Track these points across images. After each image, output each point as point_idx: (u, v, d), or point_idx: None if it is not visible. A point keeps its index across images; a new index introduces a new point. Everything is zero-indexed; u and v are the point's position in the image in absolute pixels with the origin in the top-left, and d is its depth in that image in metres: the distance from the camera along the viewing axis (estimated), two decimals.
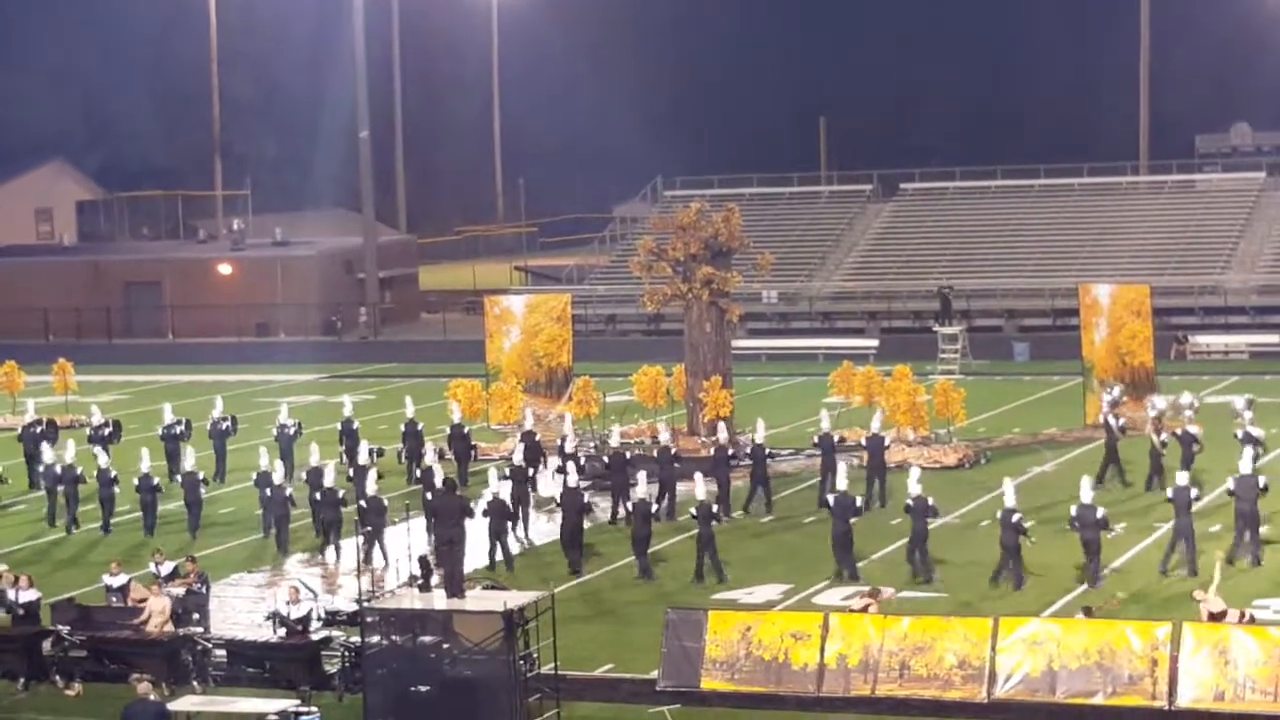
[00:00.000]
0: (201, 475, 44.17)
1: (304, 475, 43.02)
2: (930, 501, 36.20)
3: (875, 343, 73.00)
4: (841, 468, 38.40)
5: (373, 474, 40.68)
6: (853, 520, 36.38)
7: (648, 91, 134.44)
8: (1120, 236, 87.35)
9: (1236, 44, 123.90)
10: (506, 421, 53.84)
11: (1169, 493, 36.16)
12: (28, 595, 32.01)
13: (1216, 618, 28.85)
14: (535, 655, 27.83)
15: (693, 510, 37.31)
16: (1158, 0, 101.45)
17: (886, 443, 44.92)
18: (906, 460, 48.22)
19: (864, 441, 44.84)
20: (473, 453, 48.63)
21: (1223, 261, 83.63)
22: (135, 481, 43.63)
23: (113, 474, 44.05)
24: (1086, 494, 35.16)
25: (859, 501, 36.98)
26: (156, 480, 44.21)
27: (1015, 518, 34.81)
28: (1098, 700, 27.83)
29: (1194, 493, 35.95)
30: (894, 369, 51.49)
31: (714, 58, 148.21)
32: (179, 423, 50.72)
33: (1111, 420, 45.60)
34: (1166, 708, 27.52)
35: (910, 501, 36.23)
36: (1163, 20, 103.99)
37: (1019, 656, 28.38)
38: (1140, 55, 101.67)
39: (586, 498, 39.99)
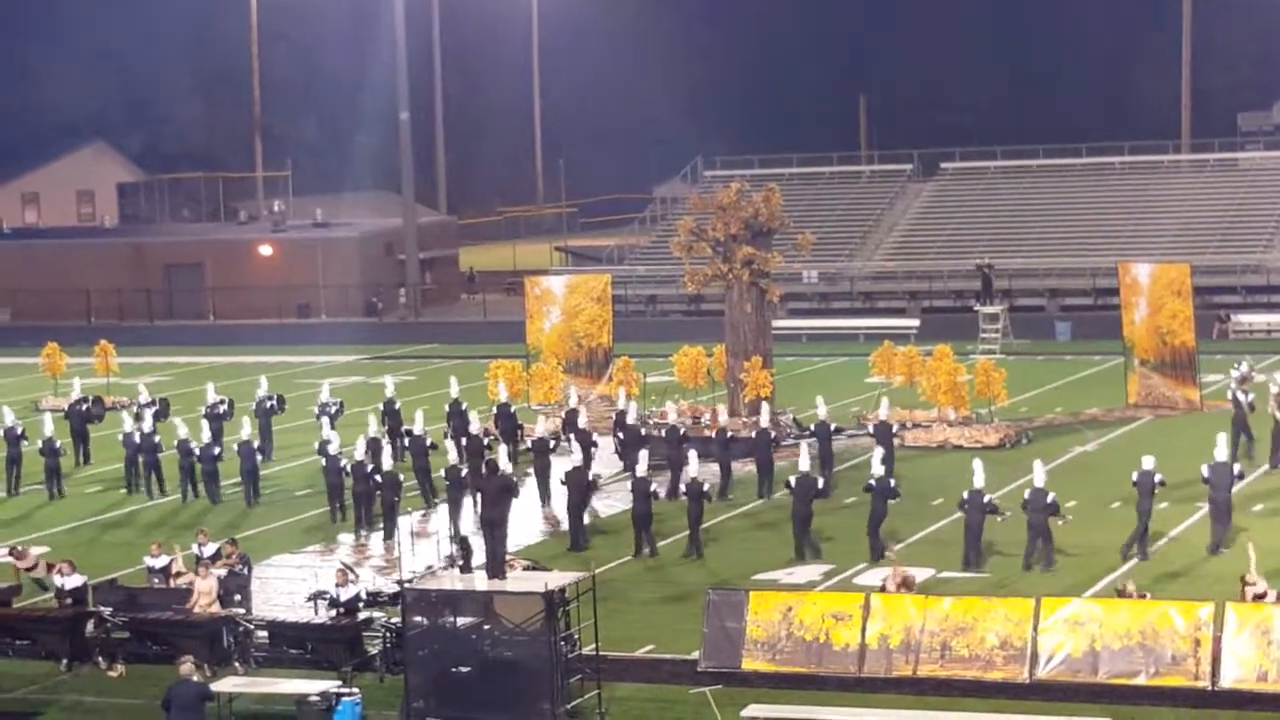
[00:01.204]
0: (258, 444, 45.09)
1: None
2: (892, 483, 36.47)
3: (916, 322, 72.89)
4: (804, 448, 38.45)
5: (388, 449, 41.03)
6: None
7: (687, 72, 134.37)
8: (1162, 215, 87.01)
9: (1279, 20, 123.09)
10: (547, 402, 53.87)
11: (1134, 476, 35.82)
12: (72, 581, 32.19)
13: (1259, 598, 28.75)
14: (576, 636, 27.85)
15: (683, 486, 37.55)
16: None
17: (896, 429, 44.68)
18: (948, 440, 48.26)
19: (871, 429, 44.66)
20: (519, 431, 48.62)
21: (1265, 240, 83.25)
22: (196, 452, 44.61)
23: (192, 444, 44.99)
24: (1040, 478, 35.07)
25: (820, 483, 37.07)
26: (218, 450, 45.15)
27: (986, 499, 34.79)
28: (1140, 681, 27.75)
29: (1158, 478, 35.65)
30: (935, 349, 51.42)
31: (753, 37, 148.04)
32: (222, 402, 51.17)
33: (1240, 395, 45.32)
34: (1209, 688, 27.43)
35: (872, 482, 36.40)
36: None
37: (1061, 637, 28.31)
38: (1183, 32, 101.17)
39: (592, 475, 40.09)
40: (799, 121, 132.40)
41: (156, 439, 46.39)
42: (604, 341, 57.19)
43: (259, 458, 45.33)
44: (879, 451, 37.90)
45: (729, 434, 43.92)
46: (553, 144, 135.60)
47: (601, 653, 28.36)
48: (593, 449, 43.61)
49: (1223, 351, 64.40)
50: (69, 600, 32.02)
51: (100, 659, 31.15)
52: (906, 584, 30.81)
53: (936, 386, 49.65)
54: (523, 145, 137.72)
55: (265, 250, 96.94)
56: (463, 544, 29.17)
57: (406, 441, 44.19)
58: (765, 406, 45.83)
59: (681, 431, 44.35)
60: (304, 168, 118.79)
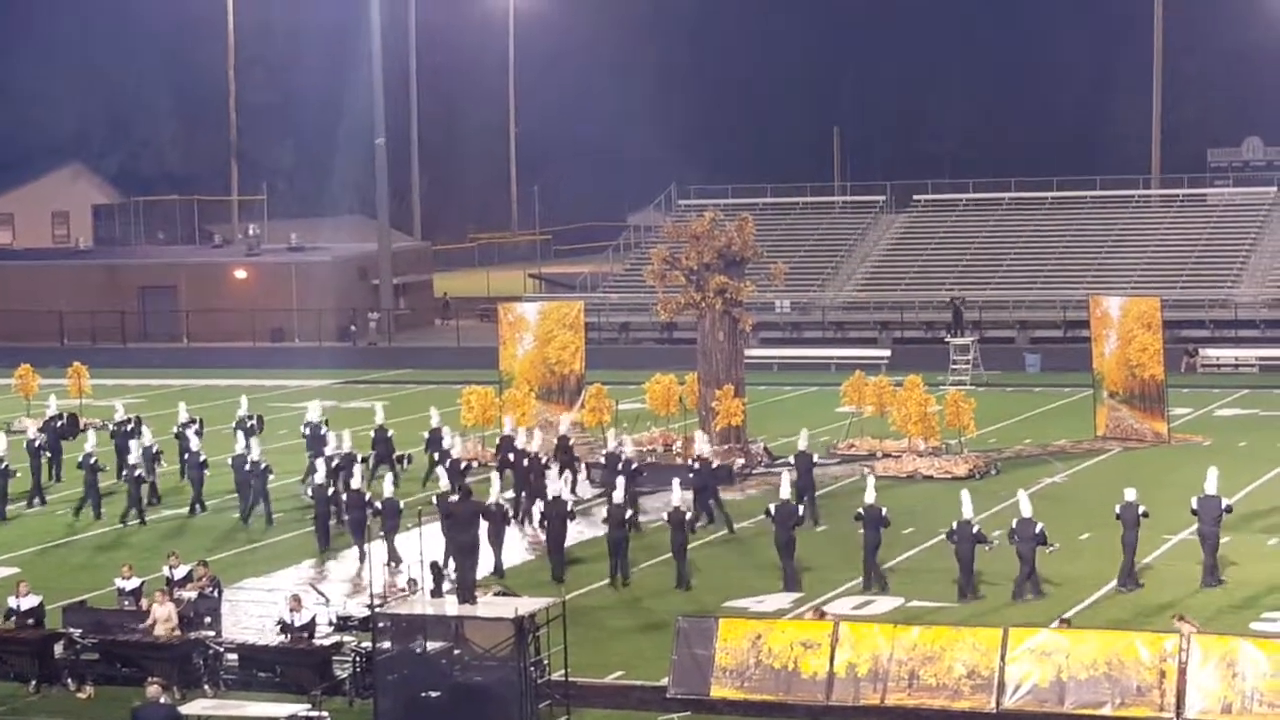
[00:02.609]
0: (249, 458, 45.05)
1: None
2: (884, 511, 36.36)
3: (887, 353, 73.05)
4: (784, 477, 38.52)
5: (389, 476, 41.03)
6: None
7: (663, 101, 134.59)
8: (1132, 249, 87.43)
9: (1249, 57, 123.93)
10: (518, 428, 53.89)
11: (1116, 509, 36.07)
12: (28, 602, 32.16)
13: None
14: (546, 662, 27.95)
15: (664, 515, 37.63)
16: (1171, 13, 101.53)
17: (815, 458, 44.81)
18: (917, 470, 48.43)
19: (792, 459, 44.73)
20: (446, 457, 47.25)
21: (1233, 275, 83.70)
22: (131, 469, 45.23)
23: (202, 457, 45.76)
24: (1026, 509, 35.25)
25: (801, 510, 37.03)
26: (204, 457, 45.97)
27: (975, 529, 34.96)
28: (1106, 711, 27.90)
29: (1141, 509, 35.92)
30: (905, 379, 51.54)
31: (729, 68, 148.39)
32: (193, 421, 51.16)
33: None
34: (1174, 719, 27.61)
35: (861, 510, 36.39)
36: (1176, 33, 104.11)
37: (1028, 667, 28.46)
38: (1153, 68, 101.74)
39: (571, 506, 39.82)
40: (773, 152, 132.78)
41: (141, 447, 46.72)
42: (576, 368, 57.28)
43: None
44: (871, 479, 37.89)
45: (634, 465, 43.64)
46: (528, 171, 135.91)
47: (571, 679, 28.47)
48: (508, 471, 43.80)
49: (1190, 385, 64.77)
50: (29, 621, 32.00)
51: (69, 680, 31.10)
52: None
53: (907, 417, 49.77)
54: (498, 172, 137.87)
55: (240, 273, 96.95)
56: (434, 569, 29.28)
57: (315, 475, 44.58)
58: (700, 435, 46.04)
59: (621, 458, 44.26)
60: (280, 192, 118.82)
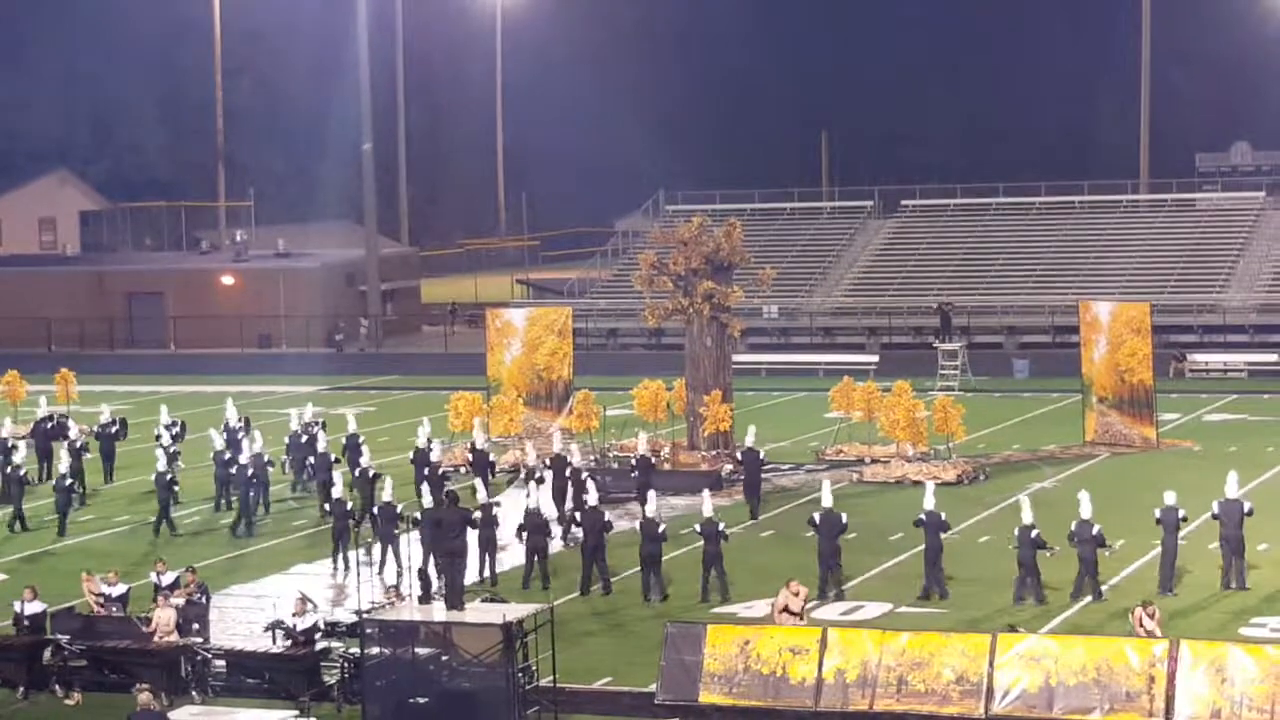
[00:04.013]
0: (268, 456, 45.41)
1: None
2: (943, 516, 36.09)
3: (875, 358, 73.05)
4: (825, 485, 38.29)
5: (389, 481, 40.82)
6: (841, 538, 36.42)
7: (651, 106, 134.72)
8: (1120, 254, 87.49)
9: (1237, 63, 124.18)
10: (508, 434, 53.95)
11: (1156, 513, 36.13)
12: (33, 608, 32.11)
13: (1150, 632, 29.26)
14: (534, 668, 27.90)
15: (697, 527, 37.32)
16: (1159, 19, 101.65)
17: (762, 456, 44.88)
18: (905, 476, 48.37)
19: (740, 456, 44.63)
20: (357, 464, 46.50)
21: (1222, 280, 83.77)
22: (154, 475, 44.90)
23: (227, 456, 45.69)
24: (1086, 510, 35.22)
25: (844, 518, 36.60)
26: (228, 455, 45.87)
27: (1034, 533, 34.91)
28: (1095, 716, 27.87)
29: (1181, 513, 35.95)
30: (894, 385, 51.53)
31: (717, 73, 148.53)
32: (174, 424, 51.13)
33: None
34: None
35: (922, 515, 36.16)
36: (1164, 39, 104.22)
37: (1017, 672, 28.44)
38: (1141, 74, 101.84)
39: (607, 515, 38.83)
40: (761, 157, 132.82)
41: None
42: (564, 374, 57.28)
43: (270, 470, 45.71)
44: (930, 485, 37.64)
45: (535, 473, 43.42)
46: (515, 177, 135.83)
47: (559, 684, 28.43)
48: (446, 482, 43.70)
49: (1178, 390, 64.79)
50: (26, 623, 31.93)
51: (57, 687, 31.06)
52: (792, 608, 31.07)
53: (895, 422, 49.78)
54: (486, 178, 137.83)
55: (227, 280, 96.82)
56: (421, 576, 29.22)
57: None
58: (643, 435, 46.17)
59: (569, 466, 44.06)
60: (268, 198, 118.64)
